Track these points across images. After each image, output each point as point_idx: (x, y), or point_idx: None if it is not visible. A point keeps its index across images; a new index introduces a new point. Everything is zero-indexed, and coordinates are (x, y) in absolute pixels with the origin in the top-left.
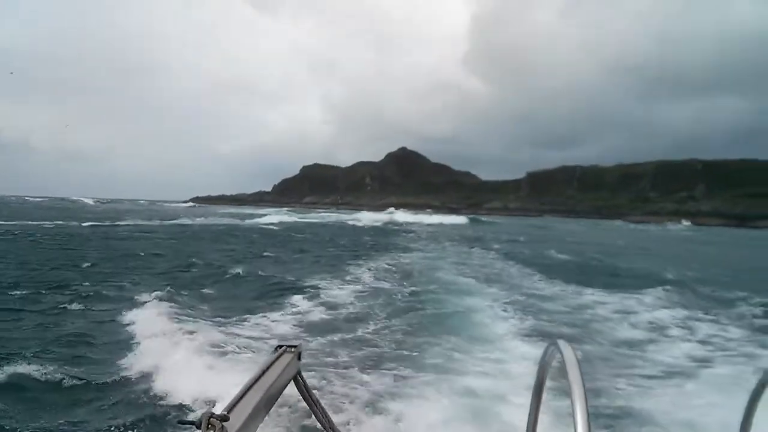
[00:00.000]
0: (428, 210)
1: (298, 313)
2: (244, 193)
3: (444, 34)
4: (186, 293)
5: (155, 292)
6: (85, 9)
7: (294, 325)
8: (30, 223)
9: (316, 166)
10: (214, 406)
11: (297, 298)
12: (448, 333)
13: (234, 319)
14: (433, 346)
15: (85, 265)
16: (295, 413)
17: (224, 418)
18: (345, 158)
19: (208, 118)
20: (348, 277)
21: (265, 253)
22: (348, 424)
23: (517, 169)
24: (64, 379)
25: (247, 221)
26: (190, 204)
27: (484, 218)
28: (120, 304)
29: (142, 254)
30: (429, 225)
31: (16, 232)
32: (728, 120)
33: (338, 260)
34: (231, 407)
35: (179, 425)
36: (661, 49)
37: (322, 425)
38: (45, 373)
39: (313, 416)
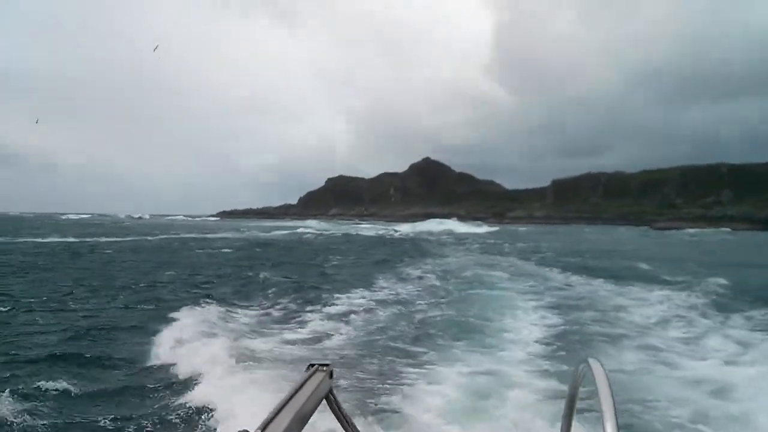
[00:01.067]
0: (476, 221)
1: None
2: (270, 206)
3: (465, 44)
4: (257, 296)
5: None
6: (105, 31)
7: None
8: (110, 239)
9: (341, 177)
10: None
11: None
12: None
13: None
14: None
15: (169, 273)
16: None
17: None
18: (369, 170)
19: (229, 134)
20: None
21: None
22: None
23: (541, 177)
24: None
25: (300, 230)
26: (217, 218)
27: (512, 227)
28: (185, 302)
29: (224, 263)
30: (479, 234)
31: (110, 249)
32: (752, 123)
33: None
34: (264, 426)
35: None
36: (682, 53)
37: None
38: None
39: None
